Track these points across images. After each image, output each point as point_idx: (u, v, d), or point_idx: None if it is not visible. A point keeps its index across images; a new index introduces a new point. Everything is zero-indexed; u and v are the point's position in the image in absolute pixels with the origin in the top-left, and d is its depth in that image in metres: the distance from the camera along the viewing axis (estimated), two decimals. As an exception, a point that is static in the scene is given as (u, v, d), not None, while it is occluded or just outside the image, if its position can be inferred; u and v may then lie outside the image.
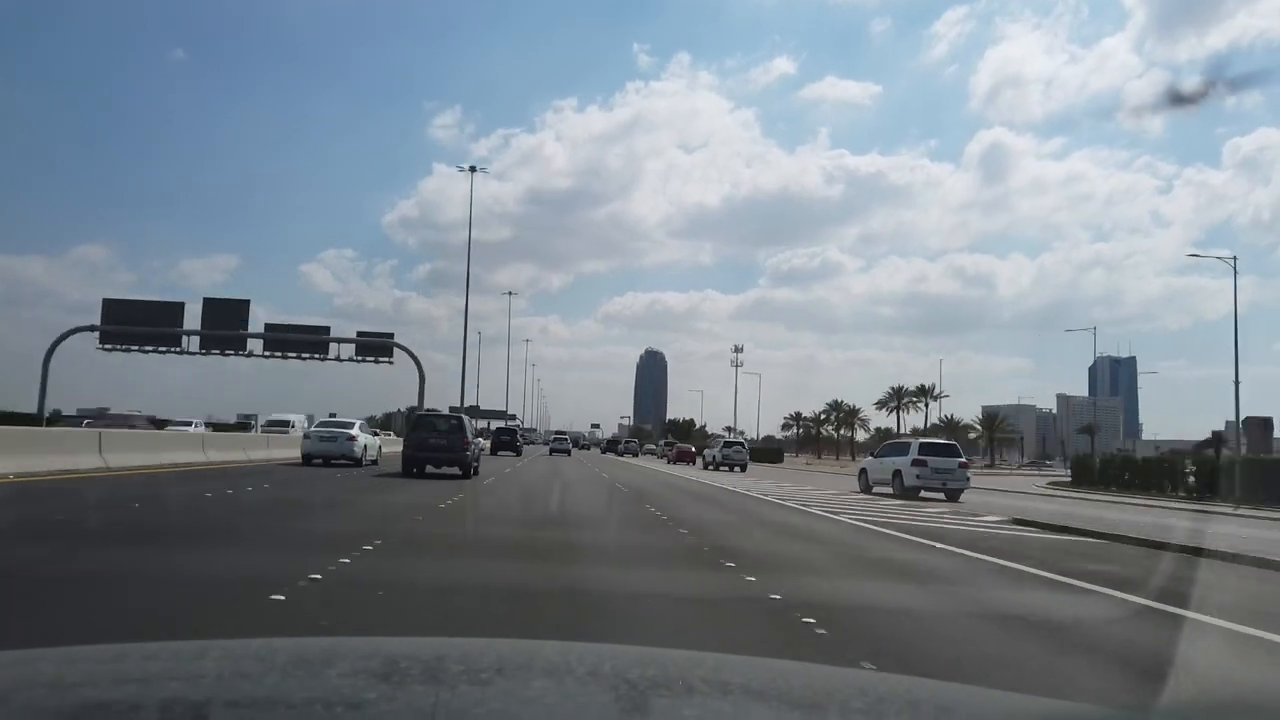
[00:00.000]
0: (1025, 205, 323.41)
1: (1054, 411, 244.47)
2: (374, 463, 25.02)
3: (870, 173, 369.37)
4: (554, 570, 7.32)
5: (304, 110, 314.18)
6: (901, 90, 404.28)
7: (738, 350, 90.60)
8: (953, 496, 22.91)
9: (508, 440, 47.10)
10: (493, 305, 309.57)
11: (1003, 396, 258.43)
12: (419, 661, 1.58)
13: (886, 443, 27.77)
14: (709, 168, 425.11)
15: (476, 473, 21.47)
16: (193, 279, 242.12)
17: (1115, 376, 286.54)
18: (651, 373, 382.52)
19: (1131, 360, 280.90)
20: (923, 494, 22.99)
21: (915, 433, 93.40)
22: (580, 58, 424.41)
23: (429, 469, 20.60)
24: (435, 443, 20.90)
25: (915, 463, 23.33)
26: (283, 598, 5.44)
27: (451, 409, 44.09)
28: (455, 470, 20.76)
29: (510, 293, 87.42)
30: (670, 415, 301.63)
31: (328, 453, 23.45)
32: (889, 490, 23.75)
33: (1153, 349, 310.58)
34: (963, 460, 23.93)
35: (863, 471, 26.72)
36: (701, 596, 6.70)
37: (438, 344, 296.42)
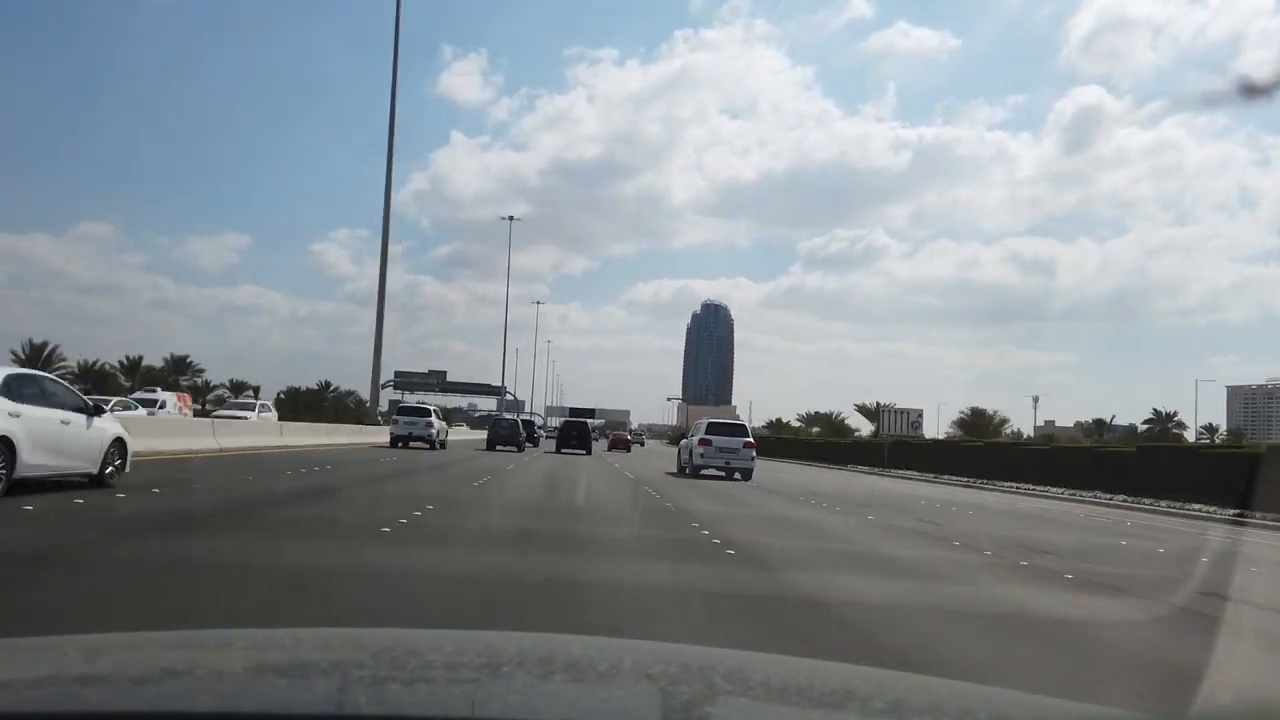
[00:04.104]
0: (1106, 179, 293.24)
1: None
2: (442, 445, 34.23)
3: (933, 142, 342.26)
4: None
5: (305, 46, 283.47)
6: (983, 35, 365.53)
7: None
8: (744, 476, 23.06)
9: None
10: (512, 290, 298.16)
11: (1042, 391, 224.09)
12: (441, 653, 1.63)
13: (701, 420, 26.96)
14: (754, 135, 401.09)
15: (523, 449, 39.27)
16: (202, 259, 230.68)
17: None
18: (711, 334, 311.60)
19: None
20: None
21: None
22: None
23: (498, 447, 38.32)
24: (503, 434, 39.87)
25: (701, 441, 23.52)
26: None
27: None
28: (513, 448, 38.10)
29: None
30: (738, 391, 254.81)
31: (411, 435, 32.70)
32: (710, 470, 23.74)
33: (1212, 342, 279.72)
34: (749, 440, 23.97)
35: (678, 450, 27.50)
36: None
37: (455, 331, 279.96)
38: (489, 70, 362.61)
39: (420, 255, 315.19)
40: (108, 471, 12.10)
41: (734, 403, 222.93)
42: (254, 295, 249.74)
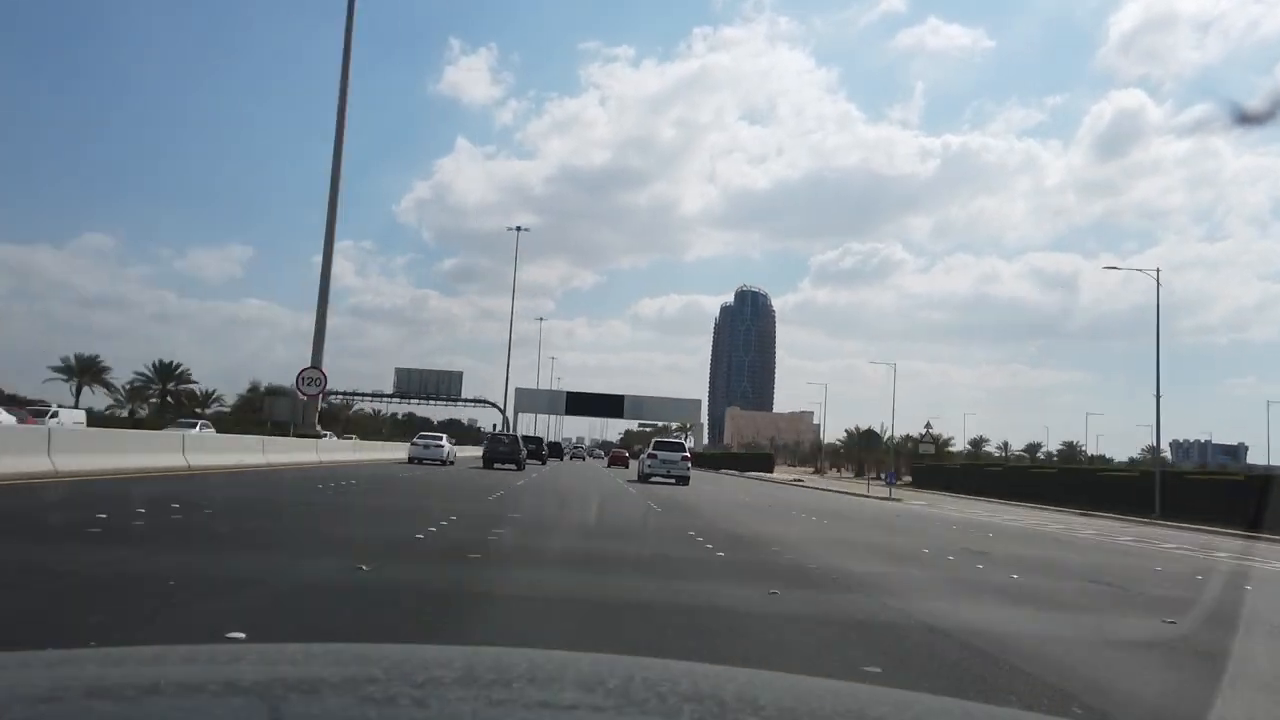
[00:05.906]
0: (1137, 188, 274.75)
1: None
2: (451, 463, 37.86)
3: (959, 150, 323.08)
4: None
5: (308, 55, 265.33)
6: (1018, 32, 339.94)
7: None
8: (683, 481, 30.60)
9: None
10: (518, 305, 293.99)
11: (1061, 414, 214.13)
12: (451, 669, 1.62)
13: (652, 439, 41.23)
14: (773, 142, 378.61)
15: (523, 467, 38.57)
16: (205, 271, 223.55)
17: None
18: (744, 328, 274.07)
19: None
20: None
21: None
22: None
23: (496, 465, 37.76)
24: (502, 450, 38.62)
25: (649, 456, 32.50)
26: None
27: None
28: (511, 466, 37.71)
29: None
30: (780, 399, 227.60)
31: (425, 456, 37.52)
32: (658, 480, 31.09)
33: (1232, 363, 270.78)
34: (685, 455, 32.25)
35: (639, 463, 37.06)
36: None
37: (458, 346, 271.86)
38: (498, 67, 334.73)
39: (425, 268, 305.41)
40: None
41: (776, 408, 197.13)
42: (257, 309, 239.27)
